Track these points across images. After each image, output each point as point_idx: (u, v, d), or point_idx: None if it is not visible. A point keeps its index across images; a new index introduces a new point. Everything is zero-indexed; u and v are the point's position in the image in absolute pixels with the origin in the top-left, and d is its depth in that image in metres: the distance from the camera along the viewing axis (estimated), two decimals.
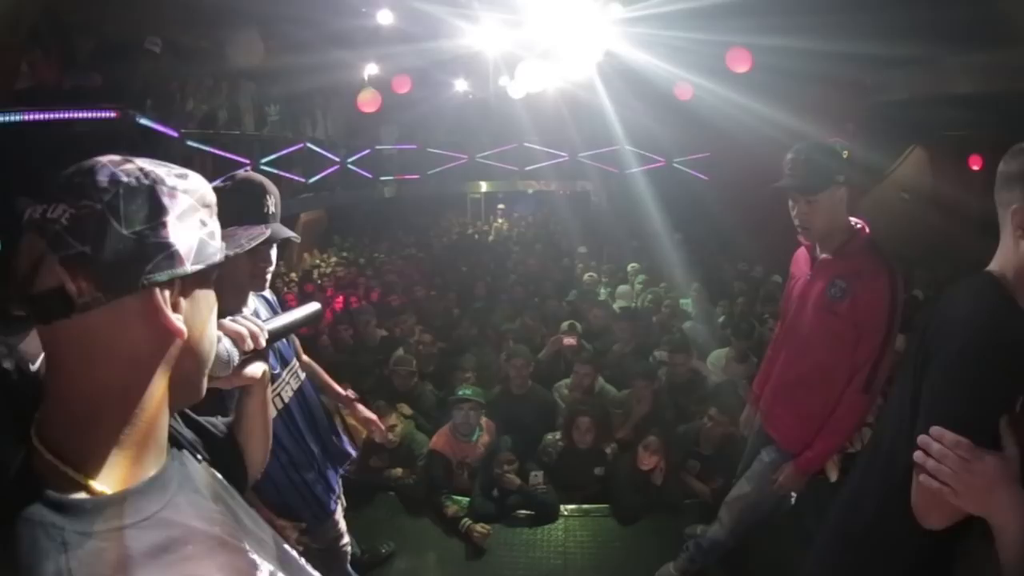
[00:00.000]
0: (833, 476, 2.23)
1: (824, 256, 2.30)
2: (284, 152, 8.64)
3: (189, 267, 0.77)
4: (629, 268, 8.91)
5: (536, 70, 6.85)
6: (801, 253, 2.45)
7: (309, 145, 9.63)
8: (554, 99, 10.09)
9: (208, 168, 6.46)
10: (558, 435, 4.13)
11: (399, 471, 3.99)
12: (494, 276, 8.97)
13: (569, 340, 5.45)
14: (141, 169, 0.77)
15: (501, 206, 19.36)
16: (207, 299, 0.84)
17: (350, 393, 2.64)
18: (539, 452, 4.08)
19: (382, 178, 13.28)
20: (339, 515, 2.44)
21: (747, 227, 8.84)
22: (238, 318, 1.10)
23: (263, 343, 1.10)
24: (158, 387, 0.79)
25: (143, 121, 5.17)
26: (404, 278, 8.78)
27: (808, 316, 2.31)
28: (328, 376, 2.60)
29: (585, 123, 11.63)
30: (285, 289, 8.60)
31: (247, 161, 7.44)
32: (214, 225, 0.84)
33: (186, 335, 0.79)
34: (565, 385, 4.82)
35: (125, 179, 0.75)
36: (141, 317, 0.75)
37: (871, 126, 9.41)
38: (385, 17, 5.97)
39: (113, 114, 4.61)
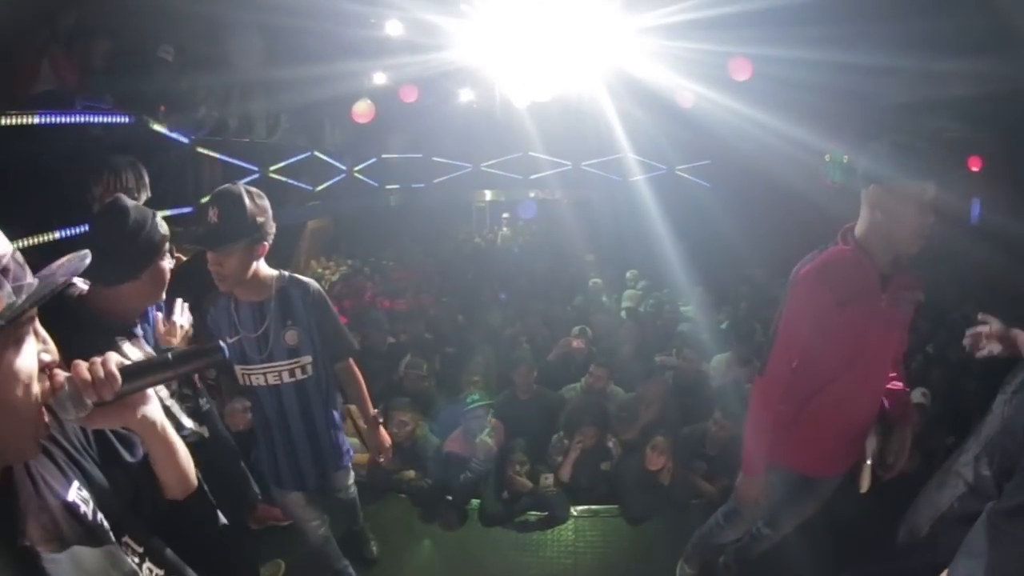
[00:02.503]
0: (864, 486, 2.23)
1: None
2: (292, 160, 8.73)
3: None
4: (628, 274, 9.01)
5: (539, 79, 6.94)
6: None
7: (316, 153, 9.72)
8: (558, 108, 10.19)
9: (218, 174, 6.59)
10: (562, 434, 4.19)
11: (411, 473, 4.04)
12: (500, 283, 9.04)
13: (578, 343, 5.53)
14: None
15: (506, 215, 19.41)
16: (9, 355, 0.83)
17: (377, 415, 2.78)
18: (550, 453, 4.14)
19: (388, 187, 13.37)
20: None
21: (749, 233, 8.90)
22: (97, 362, 0.96)
23: (107, 396, 0.95)
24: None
25: (155, 127, 5.30)
26: (411, 285, 8.85)
27: None
28: (365, 391, 2.72)
29: (589, 132, 11.72)
30: None
31: (255, 168, 7.54)
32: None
33: None
34: (574, 389, 4.89)
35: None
36: None
37: (868, 133, 9.48)
38: (394, 28, 6.07)
39: (127, 119, 4.73)
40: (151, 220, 1.91)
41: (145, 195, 2.68)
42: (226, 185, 2.22)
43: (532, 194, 15.55)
